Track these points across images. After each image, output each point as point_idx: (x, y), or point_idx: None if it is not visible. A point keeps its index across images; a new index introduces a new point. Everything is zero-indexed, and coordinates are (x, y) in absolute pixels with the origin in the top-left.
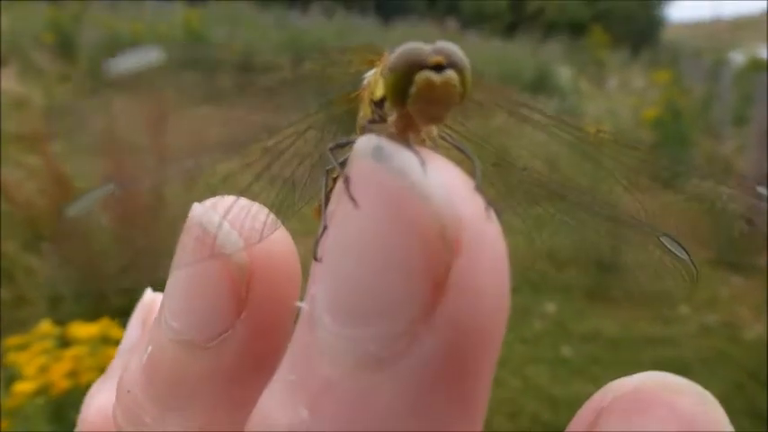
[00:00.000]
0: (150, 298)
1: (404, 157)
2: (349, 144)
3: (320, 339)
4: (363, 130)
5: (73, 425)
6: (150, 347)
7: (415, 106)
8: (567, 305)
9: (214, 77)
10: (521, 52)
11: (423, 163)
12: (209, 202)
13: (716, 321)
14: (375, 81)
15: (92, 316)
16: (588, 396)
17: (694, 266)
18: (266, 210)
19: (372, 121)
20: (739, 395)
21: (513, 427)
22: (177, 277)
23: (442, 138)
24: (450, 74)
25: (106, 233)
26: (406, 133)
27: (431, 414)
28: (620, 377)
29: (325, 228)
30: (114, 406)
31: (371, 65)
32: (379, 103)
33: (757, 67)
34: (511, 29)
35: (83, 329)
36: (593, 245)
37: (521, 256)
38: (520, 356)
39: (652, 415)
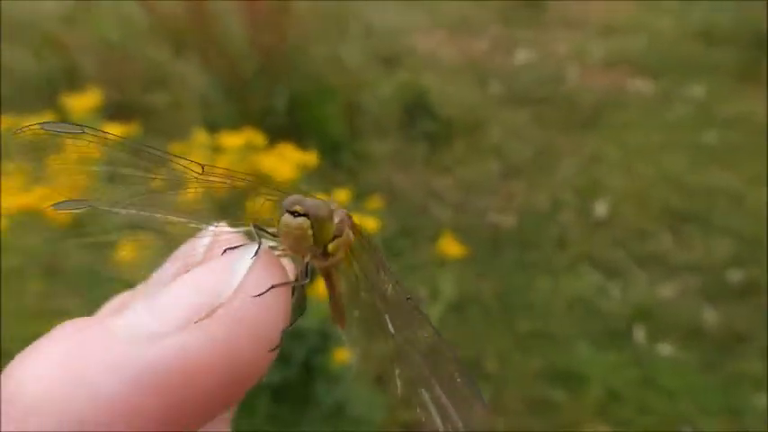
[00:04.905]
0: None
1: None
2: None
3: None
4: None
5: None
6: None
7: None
8: (716, 87)
9: None
10: None
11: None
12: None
13: None
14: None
15: (236, 118)
16: (725, 184)
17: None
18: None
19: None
20: None
21: (642, 215)
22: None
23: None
24: (301, 221)
25: (240, 37)
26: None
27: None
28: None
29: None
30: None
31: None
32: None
33: None
34: None
35: (231, 139)
36: (752, 19)
37: (668, 35)
38: (656, 144)
39: None
